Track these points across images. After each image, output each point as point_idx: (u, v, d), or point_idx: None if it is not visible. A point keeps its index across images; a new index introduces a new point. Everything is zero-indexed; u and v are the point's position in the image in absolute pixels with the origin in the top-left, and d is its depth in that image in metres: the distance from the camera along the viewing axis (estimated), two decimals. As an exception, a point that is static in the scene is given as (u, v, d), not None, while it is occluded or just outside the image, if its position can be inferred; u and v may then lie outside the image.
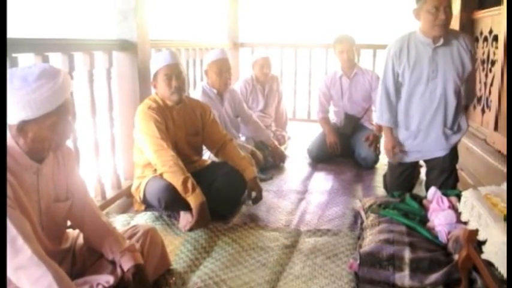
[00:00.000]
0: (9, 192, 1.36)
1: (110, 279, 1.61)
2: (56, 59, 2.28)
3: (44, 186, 1.56)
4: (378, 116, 2.77)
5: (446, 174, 2.69)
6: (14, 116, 1.40)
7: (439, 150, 2.66)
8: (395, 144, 2.70)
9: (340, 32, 3.93)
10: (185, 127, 2.66)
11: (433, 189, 2.36)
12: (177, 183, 2.35)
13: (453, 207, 2.13)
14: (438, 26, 2.43)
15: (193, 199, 2.36)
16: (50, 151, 1.54)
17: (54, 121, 1.45)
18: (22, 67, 1.47)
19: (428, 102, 2.59)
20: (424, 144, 2.66)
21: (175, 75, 2.53)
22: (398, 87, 2.66)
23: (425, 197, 2.42)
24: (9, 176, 1.39)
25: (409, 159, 2.76)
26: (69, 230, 1.84)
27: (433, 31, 2.46)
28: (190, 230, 2.39)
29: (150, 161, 2.48)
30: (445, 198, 2.21)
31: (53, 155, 1.60)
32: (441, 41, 2.51)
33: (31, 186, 1.51)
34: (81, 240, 1.79)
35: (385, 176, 3.02)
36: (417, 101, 2.62)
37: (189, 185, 2.36)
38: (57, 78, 1.44)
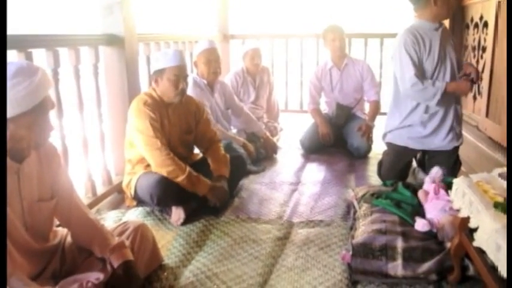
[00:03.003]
0: None
1: (100, 276, 1.60)
2: (40, 56, 2.23)
3: (26, 186, 1.53)
4: (434, 94, 2.57)
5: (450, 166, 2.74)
6: None
7: (448, 142, 2.72)
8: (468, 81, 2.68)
9: (330, 22, 3.90)
10: (179, 125, 2.63)
11: (435, 169, 2.33)
12: (182, 183, 2.38)
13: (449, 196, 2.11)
14: (451, 8, 2.68)
15: (202, 188, 2.42)
16: (31, 150, 1.50)
17: (31, 120, 1.41)
18: None
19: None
20: (442, 124, 2.71)
21: (183, 77, 2.50)
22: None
23: (420, 186, 2.40)
24: None
25: (418, 146, 2.79)
26: (59, 228, 1.81)
27: (449, 14, 2.71)
28: (184, 223, 2.40)
29: (144, 157, 2.47)
30: (442, 188, 2.18)
31: (35, 153, 1.56)
32: (443, 23, 2.69)
33: (12, 187, 1.47)
34: (70, 238, 1.77)
35: (380, 163, 3.01)
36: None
37: (193, 178, 2.40)
38: (34, 76, 1.39)
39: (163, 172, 2.38)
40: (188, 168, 2.41)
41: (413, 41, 2.61)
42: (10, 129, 1.39)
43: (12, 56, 2.03)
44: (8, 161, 1.45)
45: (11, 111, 1.36)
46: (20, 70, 1.39)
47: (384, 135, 2.94)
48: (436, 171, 2.31)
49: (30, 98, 1.38)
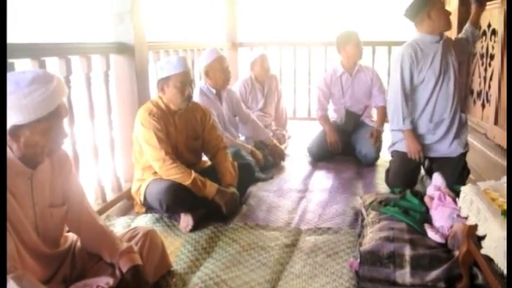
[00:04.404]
0: None
1: (110, 280, 1.61)
2: (53, 64, 2.27)
3: (38, 191, 1.55)
4: (397, 123, 2.78)
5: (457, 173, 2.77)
6: (7, 120, 1.39)
7: (454, 149, 2.77)
8: (420, 146, 2.78)
9: (345, 29, 3.89)
10: (186, 131, 2.66)
11: (436, 176, 2.34)
12: (189, 187, 2.42)
13: (456, 203, 2.11)
14: (449, 20, 2.73)
15: (209, 191, 2.45)
16: (44, 156, 1.53)
17: (46, 126, 1.44)
18: (16, 72, 1.47)
19: (446, 92, 2.74)
20: (448, 132, 2.77)
21: (188, 83, 2.54)
22: (413, 87, 2.77)
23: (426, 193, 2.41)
24: None
25: (424, 153, 2.82)
26: (69, 234, 1.83)
27: (447, 26, 2.74)
28: (192, 230, 2.41)
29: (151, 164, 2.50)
30: (448, 196, 2.18)
31: (48, 160, 1.59)
32: (444, 35, 2.76)
33: (25, 192, 1.51)
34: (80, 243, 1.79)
35: (387, 171, 3.02)
36: (437, 94, 2.75)
37: (199, 183, 2.43)
38: (50, 84, 1.43)
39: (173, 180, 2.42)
40: (194, 174, 2.43)
41: (411, 57, 2.71)
42: (25, 135, 1.43)
43: (26, 64, 2.07)
44: (22, 166, 1.48)
45: (27, 118, 1.39)
46: (37, 77, 1.42)
47: (390, 146, 2.98)
48: (436, 178, 2.31)
49: (46, 104, 1.42)
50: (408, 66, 2.70)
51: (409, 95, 2.76)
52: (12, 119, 1.39)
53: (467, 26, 2.92)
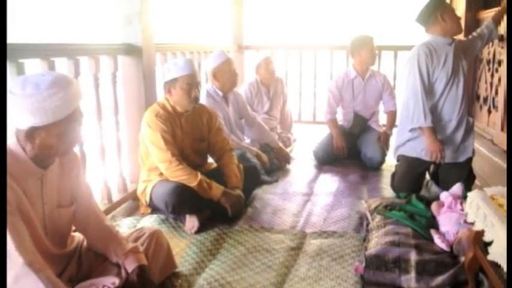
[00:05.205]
0: (10, 198, 1.37)
1: (116, 280, 1.62)
2: (62, 64, 2.29)
3: (48, 191, 1.57)
4: (417, 120, 2.69)
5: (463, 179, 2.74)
6: (24, 121, 1.42)
7: (460, 153, 2.78)
8: (442, 145, 2.72)
9: (359, 32, 3.89)
10: (192, 133, 2.68)
11: (458, 185, 2.32)
12: (195, 189, 2.43)
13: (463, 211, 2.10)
14: (460, 23, 2.79)
15: (215, 193, 2.46)
16: (56, 158, 1.55)
17: (62, 129, 1.47)
18: (35, 74, 1.50)
19: (455, 94, 2.75)
20: (454, 135, 2.78)
21: (195, 85, 2.55)
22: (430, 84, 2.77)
23: (434, 199, 2.39)
24: (12, 182, 1.40)
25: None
26: (76, 233, 1.84)
27: (459, 29, 2.79)
28: (198, 231, 2.42)
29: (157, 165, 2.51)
30: (458, 203, 2.17)
31: (57, 160, 1.61)
32: (455, 39, 2.78)
33: (35, 192, 1.52)
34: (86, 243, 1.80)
35: (393, 175, 3.02)
36: (446, 95, 2.76)
37: (205, 185, 2.44)
38: (69, 88, 1.46)
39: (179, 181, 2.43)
40: (200, 176, 2.44)
41: (426, 55, 2.70)
42: (41, 136, 1.45)
43: (36, 65, 2.09)
44: (34, 166, 1.50)
45: (44, 120, 1.42)
46: (56, 81, 1.45)
47: (396, 150, 2.97)
48: (457, 187, 2.29)
49: (64, 108, 1.44)
50: (425, 63, 2.69)
51: (428, 92, 2.72)
52: (30, 120, 1.41)
53: (488, 22, 2.91)
